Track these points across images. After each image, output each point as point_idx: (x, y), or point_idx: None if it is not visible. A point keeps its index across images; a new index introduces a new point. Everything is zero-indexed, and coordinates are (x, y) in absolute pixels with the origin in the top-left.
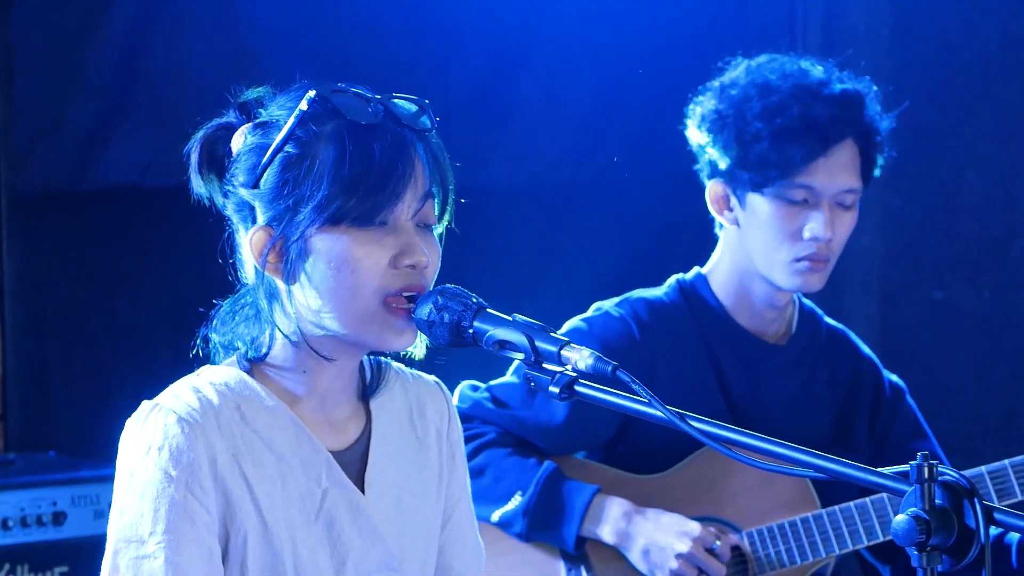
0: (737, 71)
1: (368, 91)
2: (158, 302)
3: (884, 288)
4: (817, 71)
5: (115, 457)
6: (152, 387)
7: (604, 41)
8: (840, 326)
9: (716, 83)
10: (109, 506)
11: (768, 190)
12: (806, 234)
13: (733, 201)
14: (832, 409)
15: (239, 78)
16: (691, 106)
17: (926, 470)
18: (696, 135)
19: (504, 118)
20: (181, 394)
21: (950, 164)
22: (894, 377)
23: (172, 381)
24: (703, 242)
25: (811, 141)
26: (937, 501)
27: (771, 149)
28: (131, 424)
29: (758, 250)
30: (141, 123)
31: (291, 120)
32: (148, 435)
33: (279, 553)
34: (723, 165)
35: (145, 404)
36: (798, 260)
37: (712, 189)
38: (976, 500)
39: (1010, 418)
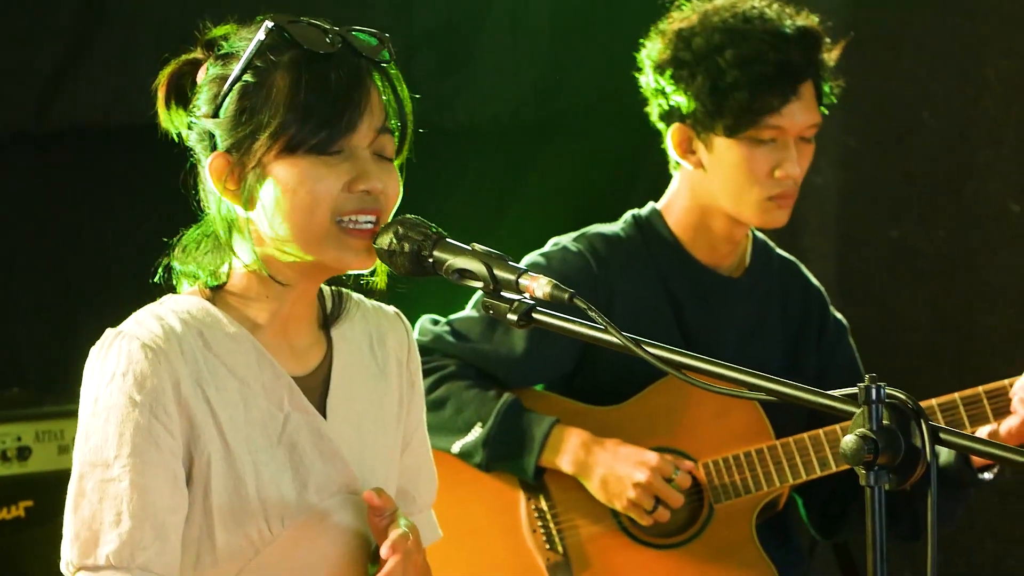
0: (691, 16)
1: (327, 23)
2: (122, 240)
3: (840, 227)
4: (773, 11)
5: (79, 393)
6: (102, 324)
7: None
8: (790, 257)
9: (668, 29)
10: (73, 441)
11: (739, 134)
12: (777, 173)
13: (696, 144)
14: (784, 338)
15: (201, 16)
16: (644, 52)
17: (874, 391)
18: (654, 81)
19: (466, 59)
20: (144, 321)
21: (905, 104)
22: (839, 315)
23: None
24: (661, 181)
25: (786, 85)
26: (885, 422)
27: (751, 97)
28: (95, 351)
29: (726, 191)
30: (104, 62)
31: (250, 50)
32: (112, 361)
33: (242, 476)
34: (689, 111)
35: (109, 332)
36: (770, 199)
37: (674, 133)
38: (922, 420)
39: (962, 354)
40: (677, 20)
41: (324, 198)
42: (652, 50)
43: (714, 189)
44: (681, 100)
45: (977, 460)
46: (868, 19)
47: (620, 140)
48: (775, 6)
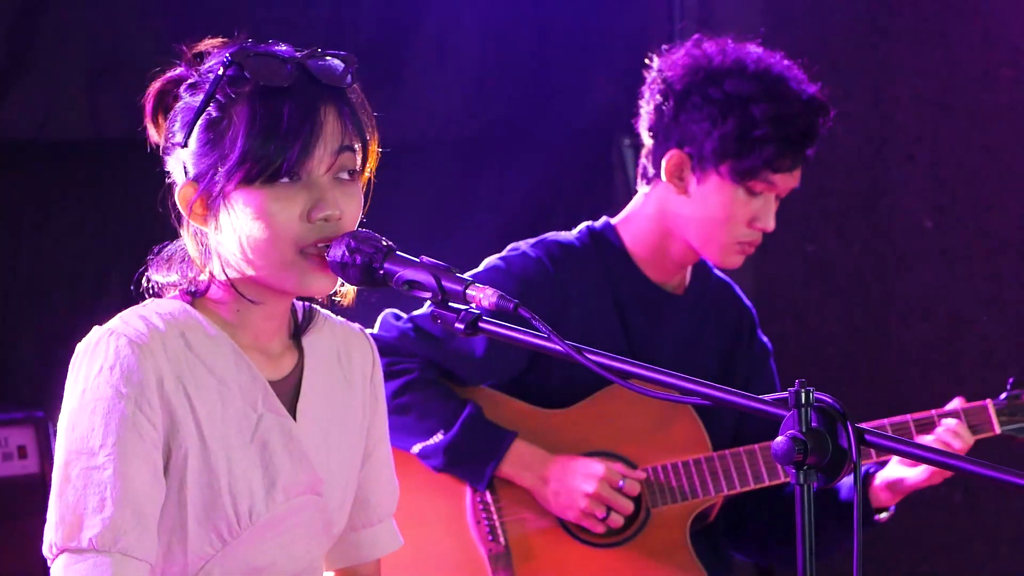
0: (720, 55)
1: (288, 51)
2: (56, 256)
3: None
4: (794, 75)
5: None
6: (39, 334)
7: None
8: (726, 278)
9: (696, 60)
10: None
11: (743, 181)
12: (756, 224)
13: (687, 173)
14: (717, 352)
15: (136, 34)
16: (660, 66)
17: (803, 395)
18: (674, 104)
19: (395, 76)
20: (130, 320)
21: None
22: (766, 338)
23: (65, 333)
24: (584, 196)
25: (801, 150)
26: (813, 425)
27: (775, 154)
28: (82, 347)
29: (701, 225)
30: (36, 80)
31: (210, 84)
32: (100, 356)
33: (215, 470)
34: (701, 143)
35: (96, 329)
36: (738, 244)
37: (671, 157)
38: (848, 422)
39: (877, 367)
40: (703, 53)
41: (284, 229)
42: (674, 70)
43: (688, 218)
44: (696, 131)
45: (875, 500)
46: (783, 37)
47: (545, 156)
48: (794, 69)
